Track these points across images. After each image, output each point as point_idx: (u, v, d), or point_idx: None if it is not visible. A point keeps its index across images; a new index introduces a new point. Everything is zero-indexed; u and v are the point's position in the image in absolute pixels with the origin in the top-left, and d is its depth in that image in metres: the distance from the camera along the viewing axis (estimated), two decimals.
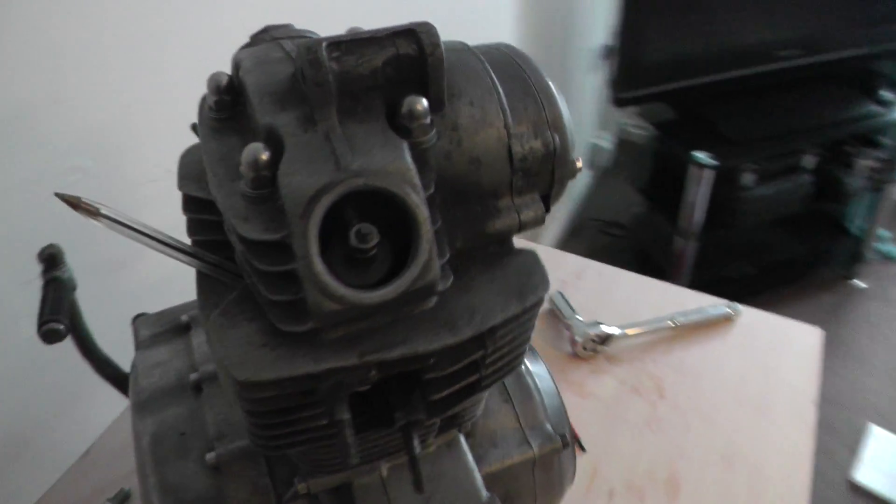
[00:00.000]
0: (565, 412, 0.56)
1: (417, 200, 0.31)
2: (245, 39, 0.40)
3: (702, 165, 1.86)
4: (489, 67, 0.35)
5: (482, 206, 0.36)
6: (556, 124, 0.36)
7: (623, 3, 1.77)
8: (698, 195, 1.92)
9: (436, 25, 0.32)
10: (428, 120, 0.32)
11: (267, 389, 0.33)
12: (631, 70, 1.86)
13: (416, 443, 0.38)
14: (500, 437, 0.53)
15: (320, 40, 0.31)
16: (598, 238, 2.64)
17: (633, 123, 2.65)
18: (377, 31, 0.32)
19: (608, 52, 1.93)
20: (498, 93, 0.35)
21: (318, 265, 0.30)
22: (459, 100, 0.34)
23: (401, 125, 0.32)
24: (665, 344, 0.94)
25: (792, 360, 0.92)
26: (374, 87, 0.32)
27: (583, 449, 0.81)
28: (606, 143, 2.84)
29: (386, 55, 0.32)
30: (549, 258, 1.02)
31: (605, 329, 0.92)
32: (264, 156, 0.31)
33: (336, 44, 0.31)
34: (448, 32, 0.34)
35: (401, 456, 0.49)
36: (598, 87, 2.40)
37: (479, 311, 0.34)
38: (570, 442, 0.54)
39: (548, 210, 0.38)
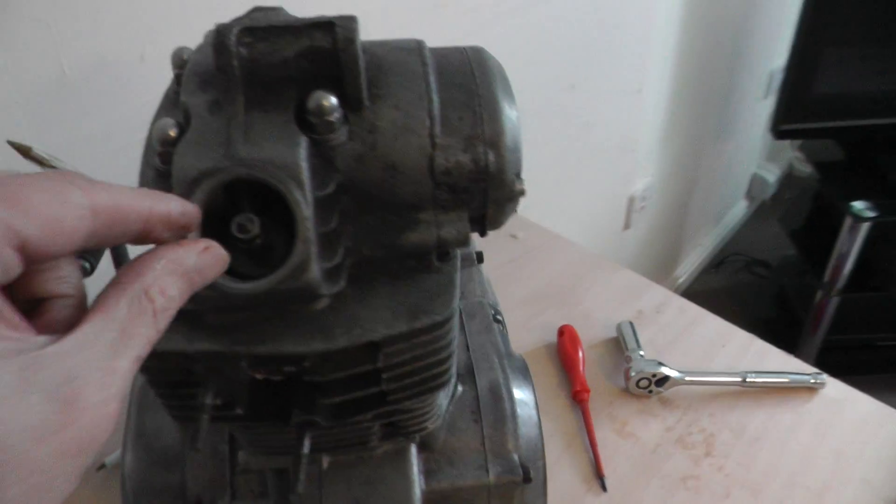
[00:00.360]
0: (542, 446, 0.53)
1: (299, 198, 0.30)
2: None
3: (859, 217, 1.68)
4: (431, 72, 0.33)
5: (399, 216, 0.34)
6: (494, 141, 0.33)
7: (801, 27, 1.62)
8: (850, 248, 1.74)
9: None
10: (335, 117, 0.31)
11: (148, 359, 0.33)
12: (797, 100, 1.71)
13: (306, 443, 0.37)
14: (459, 456, 0.51)
15: (232, 25, 0.30)
16: (739, 274, 2.47)
17: (803, 159, 2.44)
18: (297, 20, 0.31)
19: (778, 79, 1.79)
20: (430, 99, 0.33)
21: None
22: (384, 102, 0.32)
23: (307, 120, 0.31)
24: (730, 400, 0.86)
25: (875, 453, 0.81)
26: (286, 79, 0.31)
27: (604, 489, 0.77)
28: (770, 175, 2.64)
29: (299, 47, 0.31)
30: (632, 286, 0.97)
31: (665, 370, 0.85)
32: (172, 132, 0.32)
33: (249, 30, 0.31)
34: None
35: (344, 453, 0.48)
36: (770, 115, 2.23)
37: (361, 324, 0.32)
38: (535, 478, 0.51)
39: (483, 232, 0.36)
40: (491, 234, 1.09)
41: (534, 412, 0.54)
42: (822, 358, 1.88)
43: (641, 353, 0.89)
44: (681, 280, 2.42)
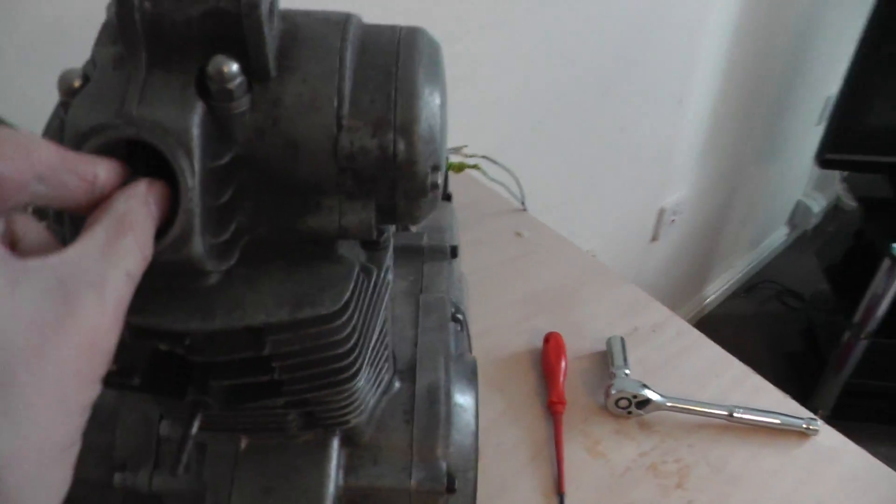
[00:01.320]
0: (476, 456, 0.51)
1: (184, 166, 0.28)
2: None
3: None
4: (349, 48, 0.31)
5: (301, 197, 0.32)
6: (406, 129, 0.31)
7: (859, 53, 1.55)
8: (886, 291, 1.67)
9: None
10: (233, 85, 0.29)
11: None
12: (847, 130, 1.64)
13: (195, 424, 0.36)
14: (383, 456, 0.49)
15: None
16: (769, 303, 2.39)
17: (847, 191, 2.35)
18: None
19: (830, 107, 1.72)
20: (341, 77, 0.30)
21: None
22: (292, 74, 0.30)
23: (205, 86, 0.29)
24: (713, 434, 0.83)
25: None
26: (190, 40, 0.29)
27: None
28: (816, 205, 2.55)
29: (205, 7, 0.29)
30: (633, 301, 0.94)
31: (648, 392, 0.82)
32: (76, 83, 0.30)
33: None
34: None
35: (264, 437, 0.47)
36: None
37: (244, 307, 0.31)
38: (461, 489, 0.49)
39: (378, 244, 0.34)
40: (495, 228, 1.06)
41: (472, 420, 0.52)
42: (841, 401, 1.81)
43: (627, 371, 0.85)
44: (708, 300, 2.35)
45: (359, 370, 0.37)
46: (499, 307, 0.97)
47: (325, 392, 0.38)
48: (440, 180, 0.32)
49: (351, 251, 0.36)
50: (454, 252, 0.65)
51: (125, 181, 0.28)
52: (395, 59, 0.32)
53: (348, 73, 0.31)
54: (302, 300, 0.31)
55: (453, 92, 1.07)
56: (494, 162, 1.09)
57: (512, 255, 1.06)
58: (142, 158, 0.29)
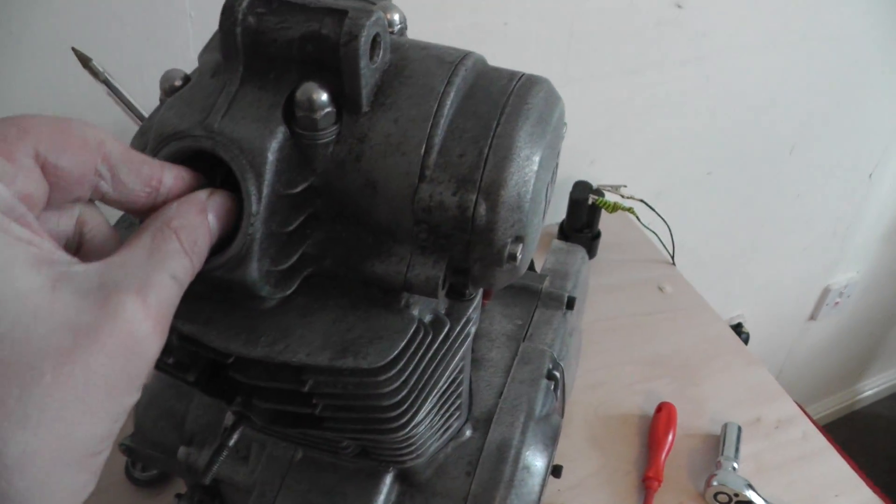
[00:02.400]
0: None
1: (252, 190, 0.27)
2: None
3: None
4: (452, 92, 0.29)
5: (373, 238, 0.30)
6: (490, 192, 0.28)
7: None
8: None
9: None
10: (320, 115, 0.28)
11: None
12: None
13: (235, 434, 0.35)
14: (436, 502, 0.47)
15: None
16: None
17: None
18: (318, 0, 0.28)
19: None
20: (434, 124, 0.28)
21: None
22: (385, 112, 0.29)
23: (293, 110, 0.28)
24: None
25: None
26: (288, 60, 0.28)
27: None
28: None
29: (306, 29, 0.28)
30: (762, 387, 0.86)
31: (752, 495, 0.74)
32: (177, 83, 0.30)
33: (265, 0, 0.28)
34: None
35: (318, 453, 0.46)
36: None
37: (287, 341, 0.29)
38: None
39: (461, 294, 0.31)
40: (638, 278, 1.00)
41: (537, 487, 0.48)
42: None
43: (736, 465, 0.78)
44: (862, 395, 2.13)
45: (409, 421, 0.35)
46: (619, 362, 0.92)
47: (370, 436, 0.36)
48: (521, 254, 0.29)
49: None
50: (570, 304, 0.61)
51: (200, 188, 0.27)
52: (500, 112, 0.29)
53: (444, 121, 0.29)
54: (347, 348, 0.29)
55: (623, 124, 1.02)
56: (651, 208, 1.03)
57: (648, 309, 1.00)
58: (223, 168, 0.29)
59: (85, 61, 0.38)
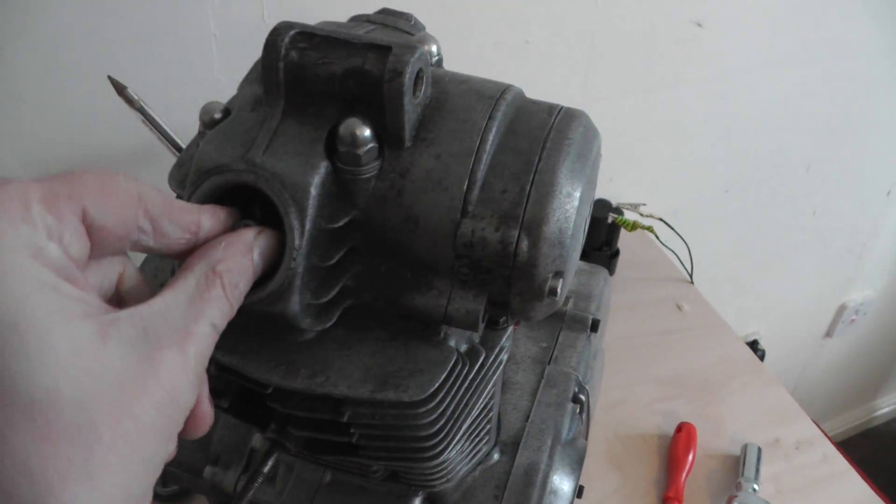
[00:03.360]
0: None
1: (295, 224, 0.28)
2: None
3: None
4: (494, 127, 0.29)
5: (413, 272, 0.30)
6: (533, 228, 0.28)
7: None
8: None
9: None
10: (362, 151, 0.28)
11: None
12: None
13: (270, 461, 0.36)
14: None
15: (291, 26, 0.28)
16: None
17: None
18: (361, 36, 0.28)
19: None
20: (477, 159, 0.28)
21: None
22: (427, 148, 0.29)
23: (335, 145, 0.28)
24: None
25: None
26: (330, 96, 0.29)
27: None
28: None
29: (349, 65, 0.28)
30: (782, 407, 0.86)
31: None
32: (216, 115, 0.31)
33: (307, 35, 0.28)
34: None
35: (347, 475, 0.46)
36: None
37: (327, 373, 0.29)
38: None
39: (497, 323, 0.32)
40: (656, 296, 1.00)
41: None
42: None
43: (756, 487, 0.77)
44: (879, 412, 2.11)
45: (444, 450, 0.35)
46: (639, 381, 0.92)
47: (403, 463, 0.36)
48: (561, 288, 0.29)
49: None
50: (595, 326, 0.61)
51: (234, 224, 0.28)
52: (541, 147, 0.29)
53: (486, 157, 0.29)
54: (387, 381, 0.29)
55: (641, 142, 1.02)
56: (670, 227, 1.03)
57: (667, 328, 0.99)
58: (260, 201, 0.29)
59: (120, 89, 0.38)
